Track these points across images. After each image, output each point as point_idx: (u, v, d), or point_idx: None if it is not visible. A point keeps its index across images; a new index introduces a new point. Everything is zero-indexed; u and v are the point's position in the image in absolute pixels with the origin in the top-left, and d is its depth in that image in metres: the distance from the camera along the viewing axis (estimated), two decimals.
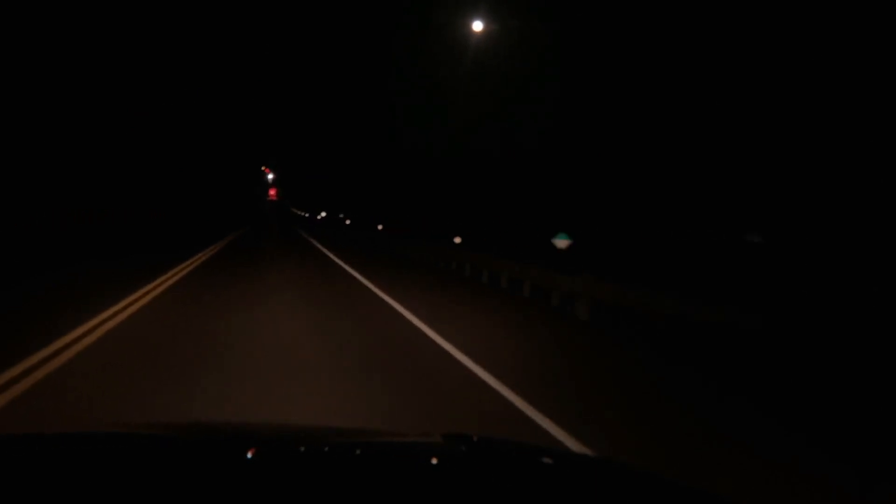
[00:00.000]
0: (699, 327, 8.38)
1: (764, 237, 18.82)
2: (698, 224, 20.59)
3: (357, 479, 1.45)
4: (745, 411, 5.81)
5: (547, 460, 1.89)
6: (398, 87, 49.66)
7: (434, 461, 1.72)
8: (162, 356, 6.46)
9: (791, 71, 16.71)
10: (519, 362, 7.21)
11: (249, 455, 1.65)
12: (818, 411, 5.93)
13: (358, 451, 1.79)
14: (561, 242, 14.13)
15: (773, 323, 7.49)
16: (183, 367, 5.96)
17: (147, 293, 10.69)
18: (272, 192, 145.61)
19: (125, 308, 9.08)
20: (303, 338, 7.74)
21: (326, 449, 1.78)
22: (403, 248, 25.65)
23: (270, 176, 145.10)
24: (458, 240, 26.86)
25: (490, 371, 6.46)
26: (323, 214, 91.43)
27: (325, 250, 25.00)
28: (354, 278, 15.44)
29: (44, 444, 1.63)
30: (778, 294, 12.41)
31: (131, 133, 34.94)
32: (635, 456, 4.19)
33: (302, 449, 1.75)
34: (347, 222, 66.42)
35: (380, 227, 44.40)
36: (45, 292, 10.75)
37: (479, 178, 32.76)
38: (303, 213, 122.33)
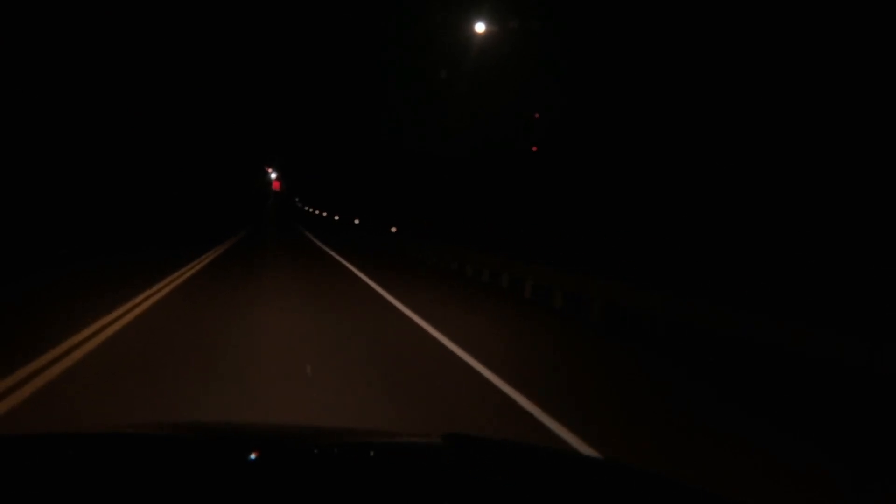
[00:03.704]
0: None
1: None
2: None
3: (357, 479, 1.46)
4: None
5: (547, 461, 1.91)
6: (384, 90, 49.39)
7: (434, 462, 1.73)
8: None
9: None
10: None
11: (251, 456, 1.66)
12: None
13: (358, 452, 1.80)
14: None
15: None
16: None
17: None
18: (276, 185, 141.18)
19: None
20: None
21: (327, 449, 1.78)
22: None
23: (273, 175, 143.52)
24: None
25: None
26: None
27: None
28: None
29: (45, 444, 1.63)
30: None
31: (137, 135, 34.87)
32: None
33: (302, 449, 1.76)
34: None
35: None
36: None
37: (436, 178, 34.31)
38: (314, 210, 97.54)
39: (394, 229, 34.75)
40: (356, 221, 51.67)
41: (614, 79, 20.48)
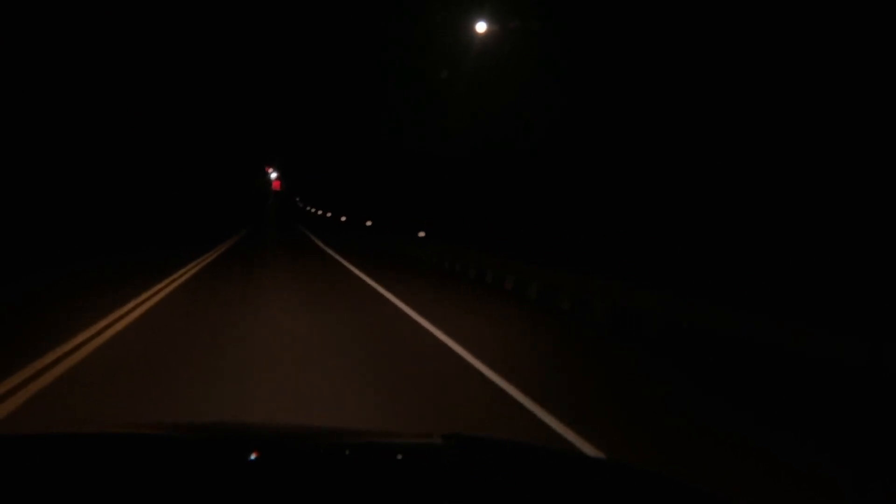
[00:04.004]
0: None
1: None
2: None
3: (358, 479, 1.46)
4: None
5: (547, 461, 1.91)
6: (387, 91, 49.15)
7: (434, 462, 1.73)
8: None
9: None
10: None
11: (251, 456, 1.66)
12: None
13: (358, 452, 1.80)
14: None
15: None
16: None
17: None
18: (276, 184, 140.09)
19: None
20: None
21: (327, 450, 1.78)
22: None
23: (274, 175, 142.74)
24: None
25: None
26: None
27: None
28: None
29: (45, 444, 1.64)
30: None
31: (137, 135, 34.85)
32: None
33: (302, 449, 1.76)
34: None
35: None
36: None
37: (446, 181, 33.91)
38: (315, 210, 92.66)
39: (422, 234, 33.34)
40: (368, 223, 49.40)
41: (614, 79, 20.49)
